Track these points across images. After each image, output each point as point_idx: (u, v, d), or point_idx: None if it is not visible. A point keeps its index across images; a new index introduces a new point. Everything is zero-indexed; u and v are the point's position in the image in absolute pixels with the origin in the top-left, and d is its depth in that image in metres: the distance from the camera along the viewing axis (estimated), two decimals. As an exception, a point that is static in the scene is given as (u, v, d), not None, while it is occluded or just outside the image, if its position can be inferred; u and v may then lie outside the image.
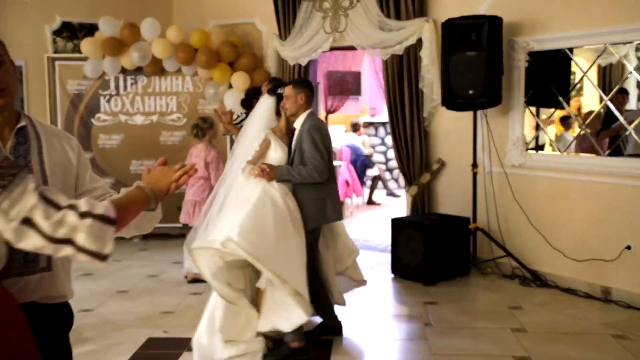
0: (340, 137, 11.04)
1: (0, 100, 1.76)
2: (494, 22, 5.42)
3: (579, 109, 5.91)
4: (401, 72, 6.31)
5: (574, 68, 5.53)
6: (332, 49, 6.92)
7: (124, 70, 7.27)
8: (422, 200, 6.38)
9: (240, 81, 7.08)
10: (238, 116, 5.45)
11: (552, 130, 6.05)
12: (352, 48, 6.78)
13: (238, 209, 3.77)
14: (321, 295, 4.15)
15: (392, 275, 5.87)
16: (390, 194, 11.08)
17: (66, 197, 1.64)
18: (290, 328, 3.77)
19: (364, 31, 6.39)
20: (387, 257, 6.06)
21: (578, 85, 5.61)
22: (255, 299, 3.93)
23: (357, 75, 11.31)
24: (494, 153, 5.86)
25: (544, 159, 5.65)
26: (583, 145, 5.63)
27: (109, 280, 5.80)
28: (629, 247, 5.01)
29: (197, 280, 5.45)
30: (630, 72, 5.12)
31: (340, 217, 4.15)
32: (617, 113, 5.25)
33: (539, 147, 5.88)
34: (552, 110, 5.86)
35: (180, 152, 7.41)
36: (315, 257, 4.12)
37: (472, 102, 5.56)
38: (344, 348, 4.18)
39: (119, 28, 7.07)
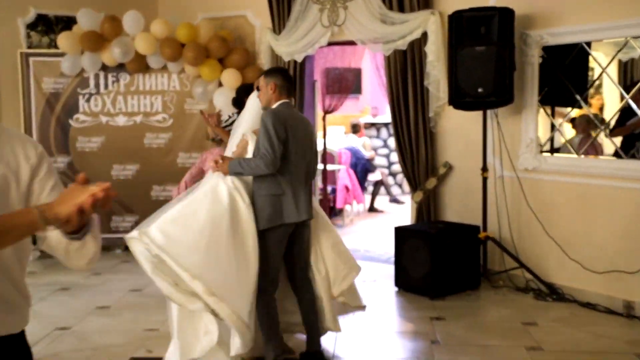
0: (339, 139, 11.04)
1: None
2: (505, 14, 5.41)
3: (601, 108, 5.88)
4: (405, 68, 6.30)
5: (592, 64, 5.52)
6: (330, 44, 6.90)
7: (104, 67, 7.24)
8: (427, 207, 6.37)
9: (230, 79, 7.06)
10: (229, 117, 5.41)
11: (569, 131, 6.02)
12: (351, 43, 6.77)
13: (177, 203, 3.79)
14: (269, 319, 3.91)
15: (396, 289, 5.85)
16: (394, 200, 11.07)
17: None
18: None
19: (365, 24, 6.38)
20: (390, 269, 6.04)
21: (597, 83, 5.59)
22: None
23: (357, 73, 11.28)
24: (505, 156, 5.84)
25: (560, 162, 5.63)
26: (582, 147, 5.62)
27: (88, 296, 5.76)
28: (652, 258, 4.98)
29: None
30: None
31: (303, 217, 3.89)
32: (639, 112, 5.23)
33: (555, 150, 5.86)
34: (569, 109, 5.84)
35: (167, 155, 7.42)
36: (274, 267, 3.91)
37: (481, 101, 5.55)
38: (344, 369, 4.15)
39: (99, 21, 7.04)
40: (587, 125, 5.81)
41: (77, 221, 1.61)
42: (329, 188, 9.19)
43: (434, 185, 6.30)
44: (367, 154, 10.70)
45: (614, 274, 5.19)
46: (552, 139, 5.85)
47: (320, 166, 8.38)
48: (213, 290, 3.54)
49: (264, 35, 7.26)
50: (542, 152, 5.74)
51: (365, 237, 8.33)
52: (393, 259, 5.93)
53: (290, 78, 4.10)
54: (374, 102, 12.21)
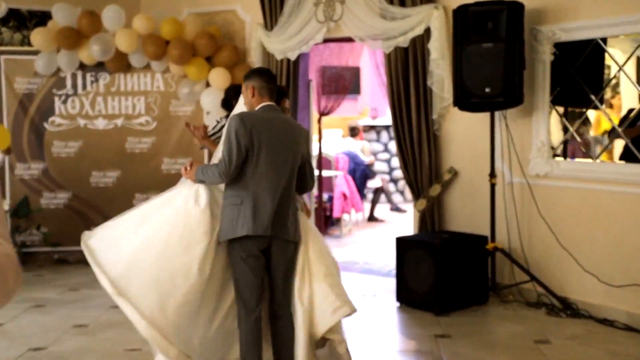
0: (336, 143, 11.04)
1: None
2: (514, 9, 5.42)
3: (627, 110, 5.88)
4: (406, 67, 6.31)
5: (608, 61, 5.52)
6: (326, 40, 6.91)
7: (82, 66, 7.24)
8: (431, 216, 6.37)
9: (219, 78, 7.07)
10: (217, 122, 5.41)
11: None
12: (349, 40, 6.78)
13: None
14: (245, 343, 3.77)
15: (398, 304, 5.85)
16: (395, 208, 11.07)
17: None
18: None
19: (363, 20, 6.39)
20: (392, 283, 6.04)
21: (613, 82, 5.60)
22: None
23: (355, 71, 11.29)
24: (515, 161, 5.85)
25: (574, 168, 5.64)
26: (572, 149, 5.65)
27: (65, 313, 5.73)
28: (674, 270, 4.98)
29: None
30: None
31: (260, 231, 3.69)
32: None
33: (568, 154, 5.86)
34: (583, 110, 5.86)
35: (150, 161, 7.41)
36: (245, 286, 3.77)
37: (489, 102, 5.56)
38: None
39: (77, 16, 7.04)
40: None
41: None
42: (325, 196, 9.18)
43: (438, 193, 6.30)
44: (366, 159, 10.70)
45: (634, 287, 5.19)
46: (565, 143, 5.85)
47: (315, 172, 8.36)
48: (140, 307, 3.58)
49: (255, 31, 7.26)
50: (554, 156, 5.75)
51: (365, 249, 8.31)
52: (394, 271, 5.92)
53: (272, 78, 3.96)
54: (373, 103, 12.22)
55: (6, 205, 6.98)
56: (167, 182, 7.30)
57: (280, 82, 6.80)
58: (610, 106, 5.98)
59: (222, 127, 5.36)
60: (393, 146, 10.94)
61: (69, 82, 7.31)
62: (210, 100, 7.00)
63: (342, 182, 9.52)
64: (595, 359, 4.57)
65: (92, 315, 5.64)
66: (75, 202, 7.39)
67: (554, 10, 5.55)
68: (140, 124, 7.44)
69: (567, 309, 5.47)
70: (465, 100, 5.64)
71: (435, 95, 6.17)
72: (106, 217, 7.31)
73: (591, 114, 6.19)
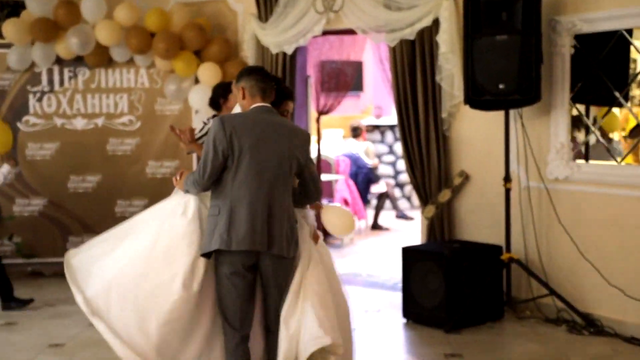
0: (336, 145, 11.02)
1: None
2: (530, -3, 5.43)
3: None
4: (413, 61, 6.30)
5: (634, 54, 5.52)
6: (325, 33, 6.91)
7: (59, 61, 7.23)
8: (440, 224, 6.37)
9: (209, 74, 7.06)
10: (204, 123, 5.39)
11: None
12: (351, 32, 6.77)
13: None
14: None
15: (404, 321, 5.84)
16: (401, 216, 11.06)
17: None
18: None
19: (366, 10, 6.39)
20: (397, 297, 6.02)
21: (639, 77, 5.60)
22: None
23: (357, 67, 11.28)
24: (531, 164, 5.84)
25: (597, 171, 5.63)
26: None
27: (39, 331, 5.70)
28: None
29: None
30: None
31: (235, 246, 3.63)
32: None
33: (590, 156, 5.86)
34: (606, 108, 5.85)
35: (133, 164, 7.39)
36: (228, 305, 3.75)
37: (503, 100, 5.55)
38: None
39: (53, 6, 7.03)
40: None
41: None
42: (325, 201, 9.16)
43: (448, 199, 6.29)
44: (370, 161, 10.68)
45: (662, 302, 5.19)
46: (587, 144, 5.84)
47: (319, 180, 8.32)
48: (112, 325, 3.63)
49: (248, 23, 7.26)
50: (575, 158, 5.73)
51: (368, 260, 8.30)
52: (400, 285, 5.92)
53: (264, 76, 3.89)
54: (377, 101, 12.24)
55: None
56: (152, 187, 7.35)
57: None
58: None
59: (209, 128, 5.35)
60: (398, 147, 10.93)
61: (44, 78, 7.29)
62: (200, 98, 6.98)
63: (343, 187, 9.50)
64: (621, 381, 4.56)
65: (69, 334, 5.61)
66: (51, 210, 7.36)
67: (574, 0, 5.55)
68: (123, 124, 7.42)
69: (590, 326, 5.45)
70: (477, 97, 5.63)
71: (444, 92, 6.16)
72: (85, 225, 7.42)
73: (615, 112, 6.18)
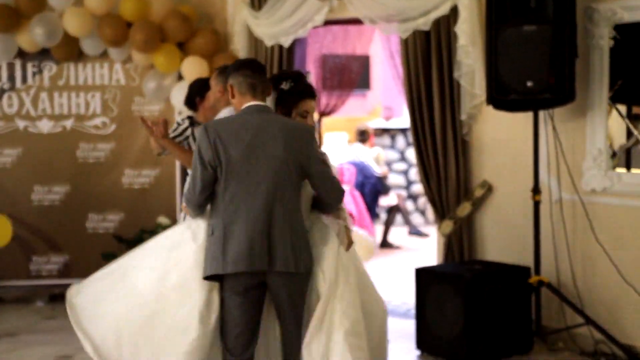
0: (340, 150, 11.00)
1: None
2: (563, -17, 5.45)
3: None
4: (428, 56, 6.32)
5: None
6: (327, 23, 6.92)
7: (22, 54, 7.25)
8: (459, 242, 6.38)
9: (194, 70, 7.08)
10: (178, 124, 5.37)
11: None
12: (357, 22, 6.79)
13: None
14: None
15: (418, 352, 5.85)
16: (414, 232, 11.11)
17: None
18: None
19: (374, -3, 6.39)
20: (411, 326, 6.04)
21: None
22: None
23: (364, 61, 11.30)
24: (564, 173, 5.84)
25: None
26: None
27: (-3, 365, 5.70)
28: None
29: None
30: None
31: (227, 268, 3.67)
32: None
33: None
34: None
35: (109, 173, 7.41)
36: (231, 330, 3.80)
37: (531, 99, 5.56)
38: None
39: (15, -7, 7.06)
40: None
41: None
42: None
43: (467, 213, 6.30)
44: (379, 170, 10.67)
45: None
46: (628, 150, 5.82)
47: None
48: None
49: (239, 11, 7.30)
50: (614, 167, 5.73)
51: (377, 283, 8.23)
52: (413, 311, 5.94)
53: (254, 69, 3.87)
54: (386, 100, 12.30)
55: None
56: (128, 199, 7.35)
57: (271, 74, 6.77)
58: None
59: (184, 129, 5.33)
60: (411, 154, 10.93)
61: (4, 74, 7.31)
62: (183, 97, 6.95)
63: (347, 199, 9.48)
64: None
65: (32, 369, 5.61)
66: (12, 225, 7.32)
67: (614, -16, 5.57)
68: (95, 127, 7.44)
69: (633, 359, 5.43)
70: (502, 97, 5.63)
71: (463, 90, 6.17)
72: (52, 243, 7.39)
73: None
